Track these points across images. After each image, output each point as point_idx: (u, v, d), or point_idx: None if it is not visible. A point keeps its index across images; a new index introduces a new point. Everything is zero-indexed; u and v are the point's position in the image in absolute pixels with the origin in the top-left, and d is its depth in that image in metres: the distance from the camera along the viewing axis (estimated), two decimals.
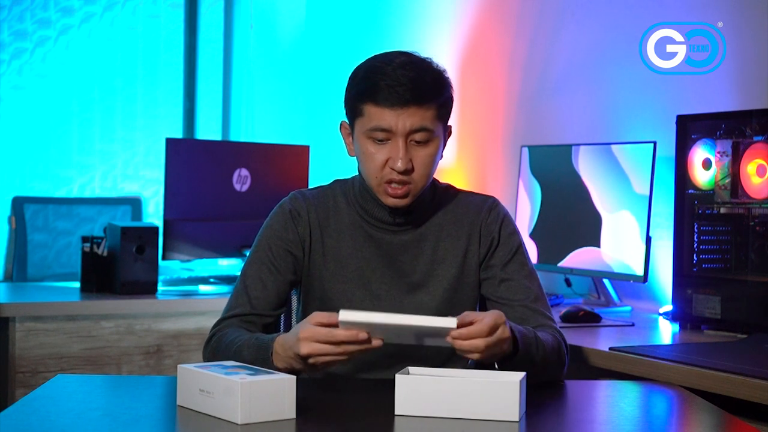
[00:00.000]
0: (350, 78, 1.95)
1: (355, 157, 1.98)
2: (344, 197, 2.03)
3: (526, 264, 2.02)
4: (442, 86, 1.92)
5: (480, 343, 1.67)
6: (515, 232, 2.04)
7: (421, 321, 1.64)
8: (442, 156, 1.99)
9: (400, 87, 1.86)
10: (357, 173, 2.02)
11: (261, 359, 1.79)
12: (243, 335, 1.89)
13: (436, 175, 2.07)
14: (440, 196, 2.05)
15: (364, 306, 1.96)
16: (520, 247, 2.03)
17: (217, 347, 1.92)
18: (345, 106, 1.96)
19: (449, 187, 2.08)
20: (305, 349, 1.68)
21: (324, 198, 2.04)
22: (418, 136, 1.89)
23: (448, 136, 2.00)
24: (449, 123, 1.99)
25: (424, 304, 1.98)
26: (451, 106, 1.97)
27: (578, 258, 3.15)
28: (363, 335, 1.65)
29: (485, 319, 1.68)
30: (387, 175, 1.91)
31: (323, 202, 2.03)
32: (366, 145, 1.92)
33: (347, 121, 1.98)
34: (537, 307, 1.98)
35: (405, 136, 1.88)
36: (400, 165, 1.88)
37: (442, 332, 1.65)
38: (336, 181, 2.08)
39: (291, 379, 1.59)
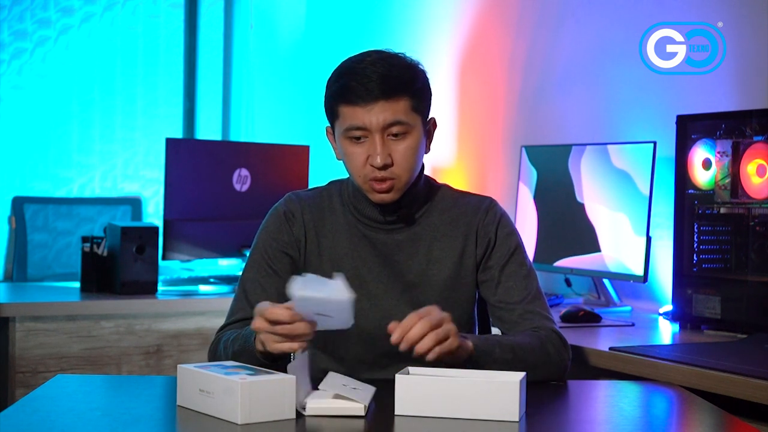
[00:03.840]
0: (327, 82, 1.96)
1: (342, 160, 1.99)
2: (339, 197, 2.04)
3: (524, 264, 2.02)
4: (412, 78, 1.92)
5: (424, 330, 1.68)
6: (513, 233, 2.03)
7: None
8: (428, 150, 1.99)
9: (369, 83, 1.87)
10: None
11: (246, 348, 1.81)
12: (236, 331, 1.91)
13: (434, 175, 2.07)
14: (436, 196, 2.05)
15: (360, 305, 1.95)
16: (518, 247, 2.02)
17: (214, 351, 1.94)
18: (324, 111, 1.97)
19: (445, 187, 2.08)
20: (254, 323, 1.71)
21: (319, 199, 2.04)
22: (394, 130, 1.90)
23: (433, 129, 2.00)
24: (432, 116, 1.98)
25: (421, 303, 1.97)
26: (429, 98, 1.97)
27: (578, 258, 3.15)
28: (287, 314, 1.66)
29: (416, 313, 1.70)
30: (369, 173, 1.91)
31: (318, 203, 2.03)
32: (346, 145, 1.93)
33: (329, 125, 1.99)
34: (534, 308, 1.98)
35: (380, 131, 1.89)
36: (378, 161, 1.89)
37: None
38: (332, 182, 2.08)
39: (291, 379, 1.59)
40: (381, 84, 1.87)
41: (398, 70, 1.90)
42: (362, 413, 1.60)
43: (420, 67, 1.96)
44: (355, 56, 1.94)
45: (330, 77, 1.95)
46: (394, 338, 1.68)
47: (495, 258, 2.01)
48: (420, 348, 1.68)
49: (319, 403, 1.61)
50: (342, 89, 1.90)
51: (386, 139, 1.90)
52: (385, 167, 1.90)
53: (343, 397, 1.62)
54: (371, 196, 1.95)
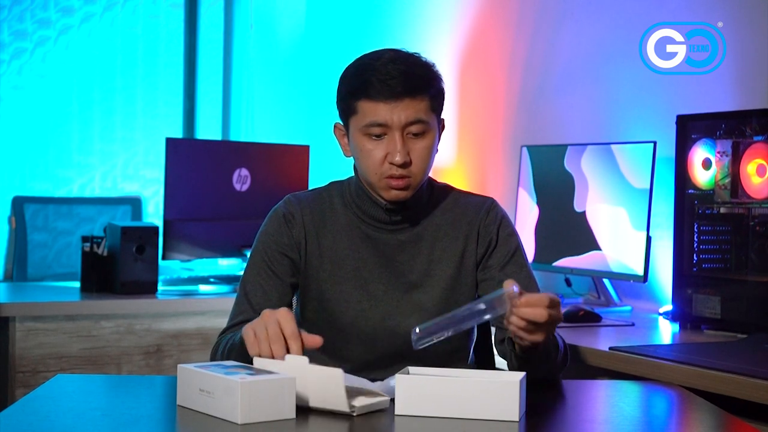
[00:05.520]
0: (341, 78, 1.96)
1: (351, 158, 1.98)
2: (340, 198, 2.03)
3: (524, 266, 2.02)
4: (433, 78, 1.93)
5: (543, 312, 1.66)
6: (513, 234, 2.03)
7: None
8: (437, 150, 1.99)
9: (392, 80, 1.87)
10: (353, 173, 2.02)
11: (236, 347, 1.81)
12: (238, 333, 1.90)
13: (434, 175, 2.07)
14: (438, 196, 2.05)
15: (362, 306, 1.96)
16: (519, 248, 2.03)
17: (215, 353, 1.94)
18: (338, 107, 1.97)
19: (447, 187, 2.08)
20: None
21: (319, 199, 2.04)
22: (414, 129, 1.90)
23: (442, 130, 2.00)
24: (442, 116, 1.99)
25: (422, 303, 1.98)
26: (444, 99, 1.97)
27: (578, 258, 3.15)
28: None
29: (542, 294, 1.69)
30: (387, 170, 1.91)
31: (318, 204, 2.03)
32: (363, 142, 1.92)
33: (341, 122, 1.98)
34: None
35: (401, 129, 1.89)
36: (398, 158, 1.88)
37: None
38: (332, 183, 2.08)
39: (291, 379, 1.59)
40: (405, 82, 1.87)
41: (420, 69, 1.91)
42: (387, 405, 1.64)
43: (435, 68, 1.96)
44: (370, 53, 1.94)
45: (345, 73, 1.95)
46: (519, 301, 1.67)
47: (495, 258, 2.01)
48: (523, 333, 1.69)
49: (365, 401, 1.62)
50: (363, 85, 1.89)
51: (406, 138, 1.90)
52: (404, 165, 1.90)
53: (372, 392, 1.64)
54: (385, 194, 1.94)
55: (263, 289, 1.98)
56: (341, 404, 1.60)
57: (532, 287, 2.00)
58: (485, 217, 2.03)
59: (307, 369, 1.63)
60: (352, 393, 1.63)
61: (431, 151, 1.93)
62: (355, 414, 1.60)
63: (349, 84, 1.92)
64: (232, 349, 1.84)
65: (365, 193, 1.98)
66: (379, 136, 1.90)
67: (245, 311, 1.98)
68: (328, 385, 1.61)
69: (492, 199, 2.07)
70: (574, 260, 3.17)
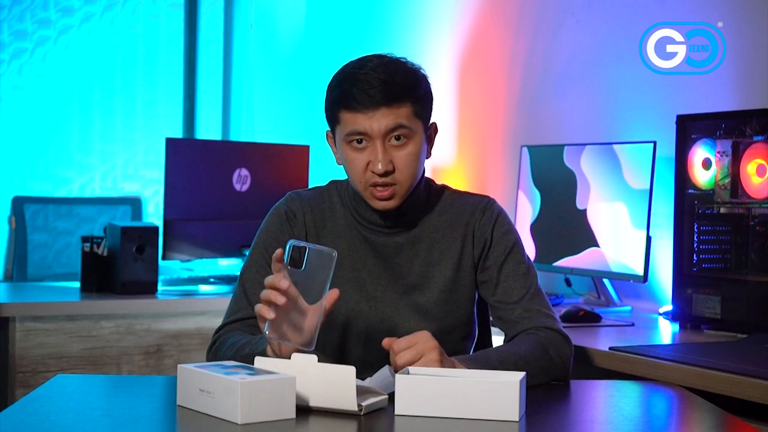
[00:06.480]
0: (327, 87, 1.95)
1: (342, 165, 1.98)
2: (339, 198, 2.03)
3: (521, 262, 2.01)
4: (414, 84, 1.91)
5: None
6: (510, 231, 2.02)
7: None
8: (429, 155, 1.98)
9: (371, 90, 1.86)
10: None
11: (256, 346, 1.83)
12: (245, 336, 1.90)
13: (434, 176, 2.06)
14: (435, 198, 2.04)
15: (360, 307, 1.96)
16: (516, 245, 2.01)
17: (217, 351, 1.94)
18: (325, 115, 1.97)
19: (444, 188, 2.07)
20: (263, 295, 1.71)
21: (320, 199, 2.04)
22: (395, 136, 1.89)
23: (434, 134, 1.99)
24: (433, 121, 1.98)
25: (420, 305, 1.97)
26: (431, 103, 1.96)
27: (578, 258, 3.15)
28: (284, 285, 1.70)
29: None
30: (370, 178, 1.91)
31: (319, 203, 2.03)
32: (347, 151, 1.92)
33: (330, 129, 1.98)
34: (534, 305, 1.97)
35: (382, 137, 1.88)
36: (379, 167, 1.88)
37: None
38: (332, 182, 2.08)
39: (291, 379, 1.59)
40: (383, 90, 1.86)
41: (400, 76, 1.89)
42: (386, 404, 1.65)
43: (421, 72, 1.95)
44: (355, 61, 1.93)
45: (330, 82, 1.94)
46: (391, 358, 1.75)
47: (492, 258, 2.00)
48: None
49: (370, 400, 1.64)
50: (343, 95, 1.89)
51: (387, 146, 1.89)
52: (386, 173, 1.89)
53: (373, 390, 1.65)
54: (372, 203, 1.94)
55: (262, 286, 1.98)
56: (350, 403, 1.60)
57: (529, 284, 1.99)
58: (480, 217, 2.02)
59: (317, 367, 1.63)
60: (357, 391, 1.63)
61: (417, 158, 1.92)
62: (362, 413, 1.61)
63: (331, 94, 1.93)
64: (238, 353, 1.85)
65: (360, 197, 1.98)
66: (360, 143, 1.90)
67: (243, 308, 1.98)
68: (338, 383, 1.61)
69: (489, 198, 2.06)
70: (574, 260, 3.17)
